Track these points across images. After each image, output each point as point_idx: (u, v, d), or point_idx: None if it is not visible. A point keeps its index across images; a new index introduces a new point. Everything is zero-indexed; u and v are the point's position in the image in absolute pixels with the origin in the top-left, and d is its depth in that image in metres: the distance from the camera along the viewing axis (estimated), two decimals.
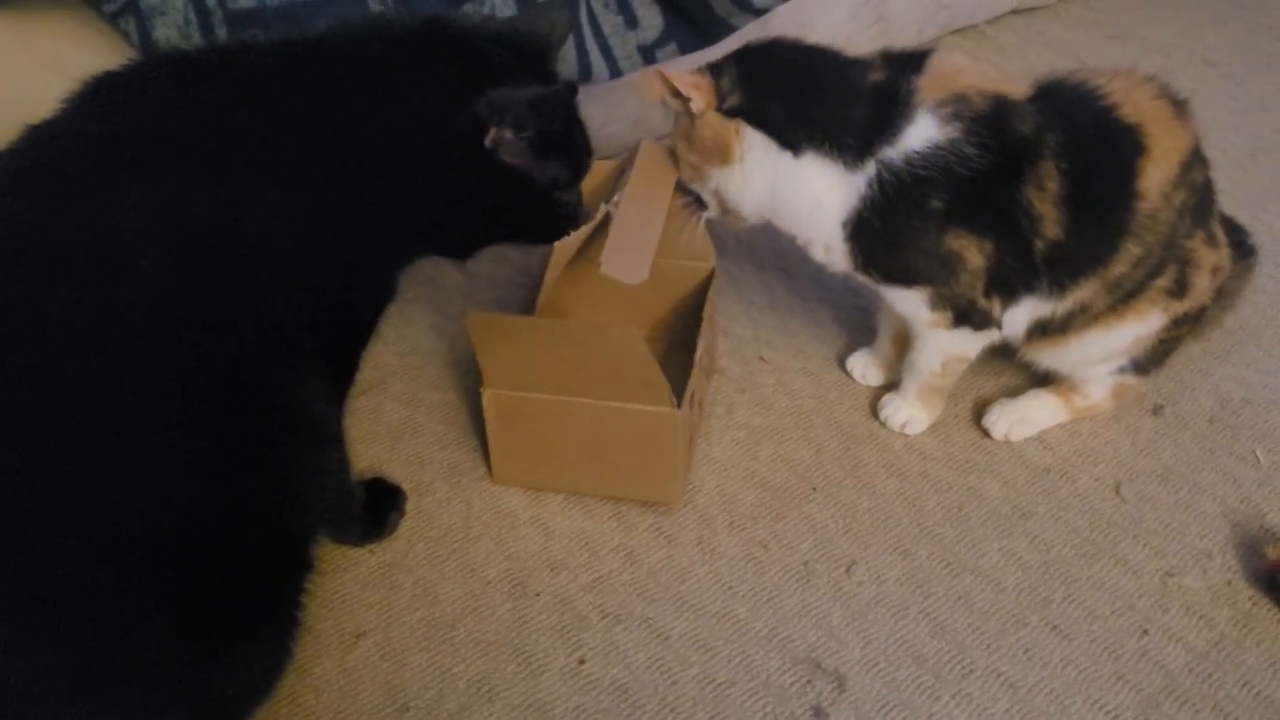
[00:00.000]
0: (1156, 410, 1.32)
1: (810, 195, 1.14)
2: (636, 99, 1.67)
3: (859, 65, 1.14)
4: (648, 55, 1.56)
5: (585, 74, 1.51)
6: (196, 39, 1.28)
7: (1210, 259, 1.21)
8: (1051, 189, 1.10)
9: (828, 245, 1.18)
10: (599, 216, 1.12)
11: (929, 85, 1.10)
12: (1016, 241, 1.12)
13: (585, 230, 1.12)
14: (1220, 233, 1.24)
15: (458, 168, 0.98)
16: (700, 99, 1.12)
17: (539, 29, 1.07)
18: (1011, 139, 1.09)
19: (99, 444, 0.82)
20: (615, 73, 1.55)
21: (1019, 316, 1.20)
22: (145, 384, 0.84)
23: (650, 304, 1.36)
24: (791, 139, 1.12)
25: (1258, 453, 1.26)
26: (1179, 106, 1.15)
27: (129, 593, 0.85)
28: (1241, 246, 1.34)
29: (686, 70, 1.15)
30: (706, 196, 1.21)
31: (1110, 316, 1.19)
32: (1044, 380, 1.32)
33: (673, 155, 1.20)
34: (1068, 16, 2.27)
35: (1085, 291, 1.16)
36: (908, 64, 1.13)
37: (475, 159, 0.97)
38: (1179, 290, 1.19)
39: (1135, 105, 1.12)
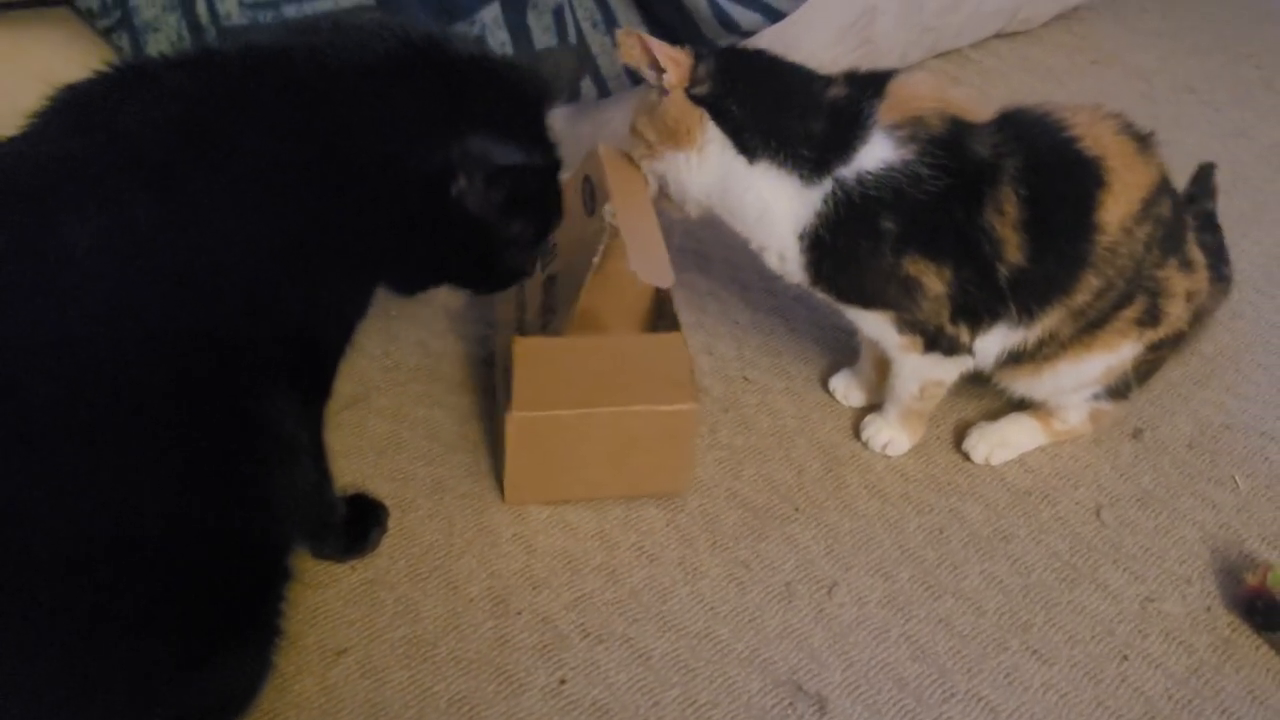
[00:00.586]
0: (1136, 434, 1.33)
1: (759, 202, 1.14)
2: (624, 117, 1.67)
3: (821, 81, 1.15)
4: (635, 75, 1.57)
5: (574, 94, 1.52)
6: None
7: (1184, 285, 1.22)
8: (1011, 214, 1.10)
9: (781, 254, 1.18)
10: (607, 227, 1.13)
11: (887, 106, 1.11)
12: (979, 267, 1.12)
13: (602, 245, 1.13)
14: (1197, 255, 1.25)
15: (419, 206, 0.95)
16: (675, 75, 1.12)
17: (542, 72, 1.04)
18: (969, 162, 1.09)
19: (63, 462, 0.82)
20: (604, 92, 1.56)
21: (990, 344, 1.20)
22: (102, 402, 0.83)
23: (632, 302, 1.34)
24: (748, 144, 1.12)
25: (1237, 478, 1.27)
26: (1142, 142, 1.15)
27: (102, 604, 0.84)
28: (1215, 270, 1.34)
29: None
30: (649, 174, 1.20)
31: (1078, 346, 1.19)
32: (1024, 404, 1.32)
33: (632, 130, 1.19)
34: (1051, 41, 2.29)
35: (1052, 319, 1.16)
36: (869, 84, 1.13)
37: (438, 201, 0.95)
38: (1151, 320, 1.20)
39: (1097, 139, 1.13)
